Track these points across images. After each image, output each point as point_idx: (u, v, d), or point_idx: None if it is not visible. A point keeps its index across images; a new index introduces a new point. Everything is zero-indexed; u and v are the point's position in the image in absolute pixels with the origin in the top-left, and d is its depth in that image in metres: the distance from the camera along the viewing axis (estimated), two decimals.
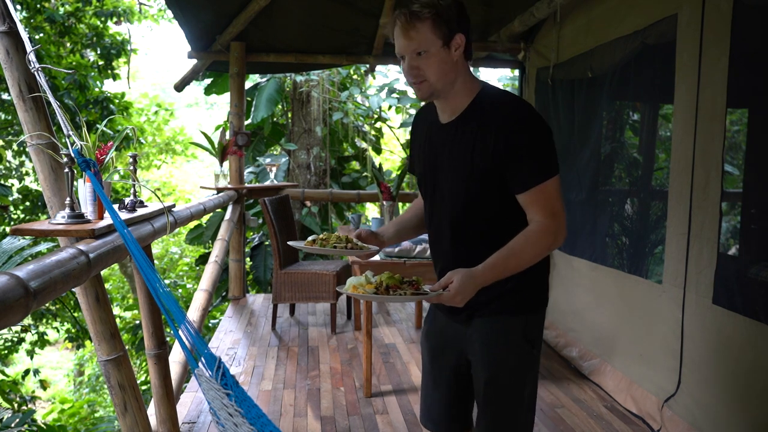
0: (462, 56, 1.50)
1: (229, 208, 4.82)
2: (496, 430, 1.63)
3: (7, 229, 6.40)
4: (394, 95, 7.85)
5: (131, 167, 2.23)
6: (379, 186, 4.12)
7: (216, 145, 4.77)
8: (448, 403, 1.74)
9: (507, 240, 1.49)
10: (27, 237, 4.76)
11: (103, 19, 7.22)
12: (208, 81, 6.81)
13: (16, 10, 1.79)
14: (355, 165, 8.02)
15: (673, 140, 2.82)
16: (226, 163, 4.85)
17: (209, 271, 4.00)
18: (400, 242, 1.82)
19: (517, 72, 6.40)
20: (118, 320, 7.00)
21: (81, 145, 1.75)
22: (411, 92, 7.93)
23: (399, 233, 1.80)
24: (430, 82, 1.49)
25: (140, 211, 2.08)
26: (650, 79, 3.13)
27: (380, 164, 6.76)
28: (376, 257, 3.22)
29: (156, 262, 9.32)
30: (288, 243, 1.82)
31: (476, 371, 1.62)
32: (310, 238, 1.71)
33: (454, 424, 1.74)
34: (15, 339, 7.22)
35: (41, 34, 6.79)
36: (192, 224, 6.53)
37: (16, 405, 5.89)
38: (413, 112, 7.86)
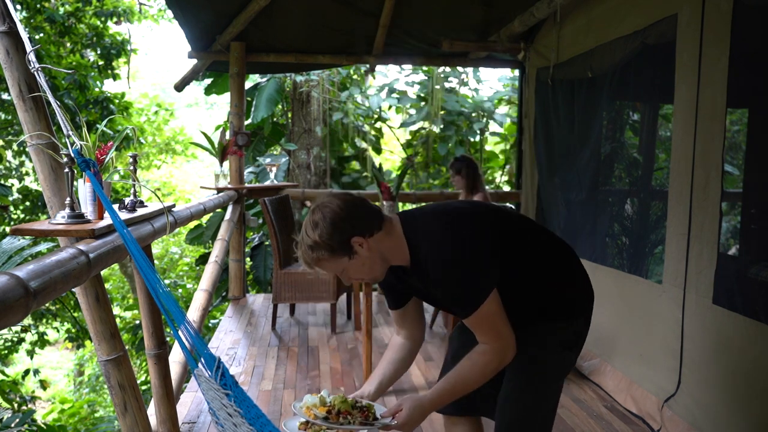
0: (371, 243, 1.61)
1: (229, 208, 4.82)
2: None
3: (7, 229, 6.40)
4: (394, 95, 7.86)
5: (131, 167, 2.23)
6: (379, 186, 4.12)
7: (216, 145, 4.77)
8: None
9: (537, 281, 1.69)
10: (27, 237, 4.76)
11: (103, 19, 7.22)
12: (208, 81, 6.81)
13: (16, 10, 1.79)
14: (355, 165, 8.02)
15: (673, 140, 2.81)
16: (226, 163, 4.85)
17: (209, 271, 4.00)
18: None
19: (517, 72, 6.40)
20: (118, 320, 6.99)
21: (81, 145, 1.75)
22: (411, 92, 7.94)
23: (380, 390, 1.83)
24: (368, 277, 1.69)
25: (140, 211, 2.08)
26: (650, 79, 3.13)
27: (380, 164, 6.76)
28: None
29: (156, 262, 9.31)
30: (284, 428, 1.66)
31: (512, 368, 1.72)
32: (312, 401, 1.63)
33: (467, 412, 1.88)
34: (15, 339, 7.22)
35: (41, 34, 6.79)
36: (192, 224, 6.53)
37: (16, 405, 5.89)
38: (413, 112, 7.86)
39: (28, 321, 7.07)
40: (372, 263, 1.63)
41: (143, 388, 6.40)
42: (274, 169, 5.30)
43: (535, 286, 1.70)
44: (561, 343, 1.73)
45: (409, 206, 8.08)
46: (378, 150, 8.16)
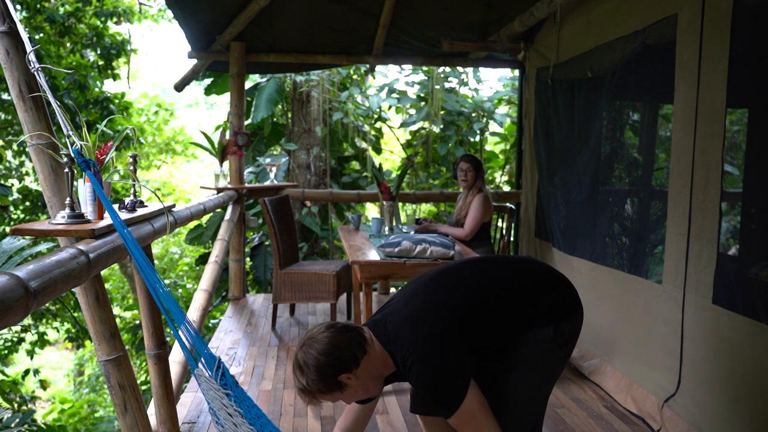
0: (360, 372, 1.66)
1: (229, 208, 4.82)
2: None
3: (7, 229, 6.40)
4: (394, 95, 7.86)
5: (131, 167, 2.23)
6: (379, 186, 4.12)
7: (216, 145, 4.77)
8: None
9: (514, 311, 1.80)
10: (27, 237, 4.76)
11: (103, 19, 7.22)
12: (208, 81, 6.81)
13: (16, 10, 1.79)
14: (355, 165, 8.02)
15: (673, 140, 2.81)
16: (226, 163, 4.85)
17: (209, 271, 4.00)
18: None
19: (517, 72, 6.40)
20: (118, 320, 7.00)
21: (81, 145, 1.75)
22: (411, 92, 7.94)
23: None
24: (366, 396, 1.76)
25: (140, 211, 2.08)
26: (650, 79, 3.13)
27: (380, 164, 6.76)
28: (376, 257, 3.21)
29: (156, 262, 9.31)
30: None
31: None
32: None
33: None
34: (15, 339, 7.22)
35: (41, 34, 6.79)
36: (192, 224, 6.53)
37: (16, 405, 5.89)
38: (413, 112, 7.86)
39: (28, 321, 7.06)
40: (365, 387, 1.70)
41: (143, 388, 6.40)
42: (274, 169, 5.30)
43: (512, 316, 1.78)
44: (554, 342, 1.79)
45: (409, 206, 8.09)
46: (378, 150, 8.15)
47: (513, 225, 4.28)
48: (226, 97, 5.86)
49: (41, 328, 7.34)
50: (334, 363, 1.62)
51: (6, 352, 7.20)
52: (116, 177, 3.61)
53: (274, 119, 7.39)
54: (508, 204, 4.33)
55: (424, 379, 1.64)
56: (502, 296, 1.80)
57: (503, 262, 1.99)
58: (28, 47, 1.73)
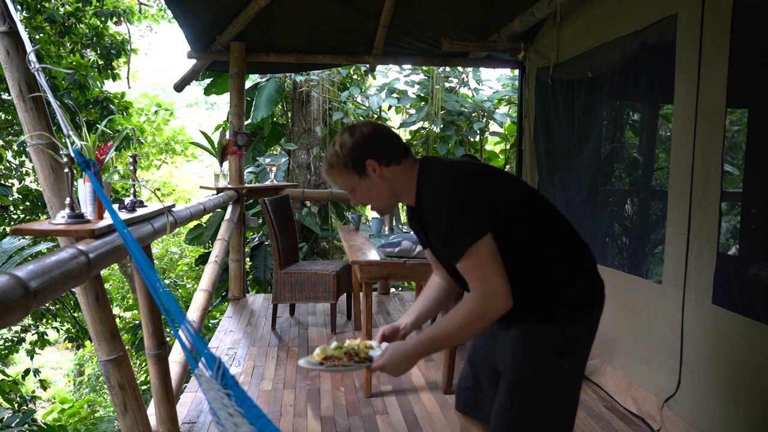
0: (385, 172, 1.63)
1: (229, 208, 4.82)
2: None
3: (7, 229, 6.40)
4: (394, 95, 7.85)
5: (131, 167, 2.23)
6: None
7: (216, 145, 4.77)
8: (473, 396, 1.87)
9: (536, 265, 1.57)
10: (27, 237, 4.76)
11: (103, 19, 7.21)
12: (208, 81, 6.81)
13: (16, 10, 1.79)
14: None
15: (673, 140, 2.81)
16: (226, 163, 4.85)
17: (209, 271, 4.00)
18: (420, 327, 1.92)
19: (517, 72, 6.39)
20: (118, 320, 7.01)
21: (81, 145, 1.75)
22: (411, 92, 7.94)
23: (417, 323, 1.83)
24: (374, 205, 1.70)
25: (140, 211, 2.08)
26: (650, 79, 3.13)
27: None
28: (376, 257, 3.22)
29: (156, 262, 9.31)
30: (300, 365, 1.77)
31: (503, 375, 1.66)
32: (318, 351, 1.70)
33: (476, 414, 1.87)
34: (15, 339, 7.21)
35: (41, 34, 6.78)
36: (192, 224, 6.53)
37: (16, 405, 5.88)
38: (413, 112, 7.86)
39: (28, 321, 7.06)
40: (380, 191, 1.65)
41: (143, 388, 6.40)
42: (274, 169, 5.30)
43: (532, 269, 1.57)
44: (553, 350, 1.58)
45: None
46: None
47: None
48: (226, 97, 5.86)
49: (41, 328, 7.34)
50: (373, 144, 1.62)
51: (6, 352, 7.19)
52: (116, 177, 3.61)
53: (274, 119, 7.39)
54: None
55: (444, 213, 1.52)
56: (555, 224, 1.64)
57: (569, 225, 1.72)
58: (28, 47, 1.74)
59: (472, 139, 7.86)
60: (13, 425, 3.95)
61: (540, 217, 1.62)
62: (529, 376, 1.60)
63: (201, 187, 5.08)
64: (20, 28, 1.78)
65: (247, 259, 6.28)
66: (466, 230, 1.49)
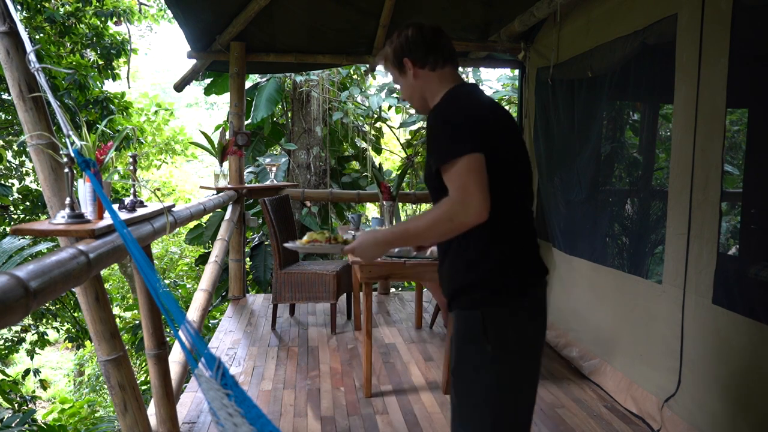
0: (419, 73, 1.72)
1: (229, 208, 4.82)
2: (452, 421, 1.65)
3: (7, 229, 6.40)
4: (394, 95, 7.85)
5: (131, 167, 2.23)
6: (379, 186, 4.11)
7: (216, 145, 4.77)
8: None
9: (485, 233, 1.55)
10: (27, 237, 4.76)
11: (103, 19, 7.22)
12: (208, 81, 6.81)
13: (16, 10, 1.79)
14: (355, 165, 8.02)
15: (673, 140, 2.82)
16: (226, 163, 4.85)
17: (209, 271, 4.00)
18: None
19: (517, 72, 6.40)
20: (118, 320, 7.01)
21: (81, 145, 1.75)
22: None
23: None
24: (411, 103, 1.78)
25: (140, 211, 2.08)
26: (650, 79, 3.13)
27: (380, 164, 6.76)
28: None
29: (156, 262, 9.31)
30: (285, 245, 2.04)
31: None
32: (305, 238, 2.00)
33: None
34: (15, 339, 7.22)
35: (41, 34, 6.79)
36: (192, 224, 6.53)
37: (16, 405, 5.88)
38: (413, 111, 7.86)
39: (28, 321, 7.06)
40: (413, 91, 1.75)
41: (143, 388, 6.40)
42: (274, 169, 5.30)
43: (480, 236, 1.55)
44: (476, 338, 1.55)
45: (409, 206, 8.08)
46: (378, 150, 8.15)
47: None
48: (226, 97, 5.86)
49: (41, 328, 7.34)
50: (414, 44, 1.72)
51: (6, 352, 7.19)
52: (116, 177, 3.61)
53: (274, 119, 7.39)
54: None
55: (437, 127, 1.55)
56: (515, 197, 1.61)
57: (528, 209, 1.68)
58: (28, 47, 1.73)
59: None
60: (13, 425, 3.95)
61: (512, 186, 1.60)
62: (458, 363, 1.60)
63: (201, 187, 5.08)
64: (20, 28, 1.78)
65: (247, 259, 6.28)
66: (457, 142, 1.50)
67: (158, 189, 12.79)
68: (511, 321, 1.56)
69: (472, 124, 1.54)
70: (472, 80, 8.02)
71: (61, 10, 7.00)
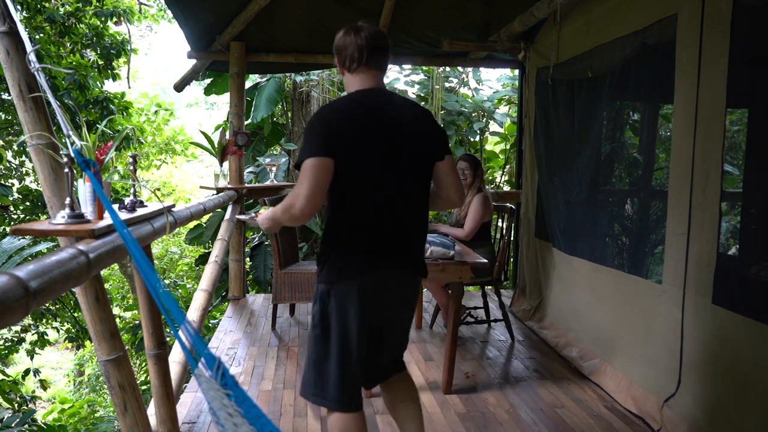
0: (343, 73, 2.00)
1: (229, 208, 4.82)
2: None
3: (7, 229, 6.40)
4: None
5: (131, 167, 2.23)
6: None
7: (216, 145, 4.77)
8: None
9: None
10: (27, 237, 4.76)
11: (103, 19, 7.22)
12: (208, 81, 6.81)
13: (16, 10, 1.79)
14: None
15: (673, 140, 2.82)
16: (226, 163, 4.85)
17: (209, 271, 4.00)
18: None
19: (517, 72, 6.40)
20: (118, 320, 7.00)
21: (81, 145, 1.75)
22: (411, 92, 7.93)
23: None
24: None
25: (140, 211, 2.08)
26: (650, 79, 3.13)
27: None
28: None
29: (156, 262, 9.31)
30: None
31: None
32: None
33: None
34: (15, 339, 7.21)
35: (41, 34, 6.79)
36: (192, 224, 6.53)
37: (16, 405, 5.88)
38: None
39: (28, 321, 7.06)
40: (346, 89, 2.02)
41: (143, 388, 6.40)
42: (274, 169, 5.30)
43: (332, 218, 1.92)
44: (314, 311, 2.03)
45: None
46: None
47: (513, 225, 4.28)
48: (226, 97, 5.86)
49: (41, 328, 7.34)
50: (337, 50, 2.00)
51: (6, 352, 7.19)
52: (116, 177, 3.61)
53: (274, 119, 7.38)
54: (508, 204, 4.33)
55: (307, 123, 2.02)
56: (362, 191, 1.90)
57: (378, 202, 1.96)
58: (28, 47, 1.73)
59: (472, 139, 7.86)
60: (13, 425, 3.95)
61: (354, 184, 1.87)
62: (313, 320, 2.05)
63: (201, 187, 5.07)
64: (20, 28, 1.78)
65: (247, 259, 6.28)
66: (305, 148, 1.85)
67: (158, 189, 12.79)
68: (330, 302, 1.94)
69: (322, 131, 1.84)
70: (472, 80, 8.02)
71: (61, 10, 7.00)
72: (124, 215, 1.92)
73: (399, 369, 2.20)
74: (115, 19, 7.32)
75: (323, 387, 2.00)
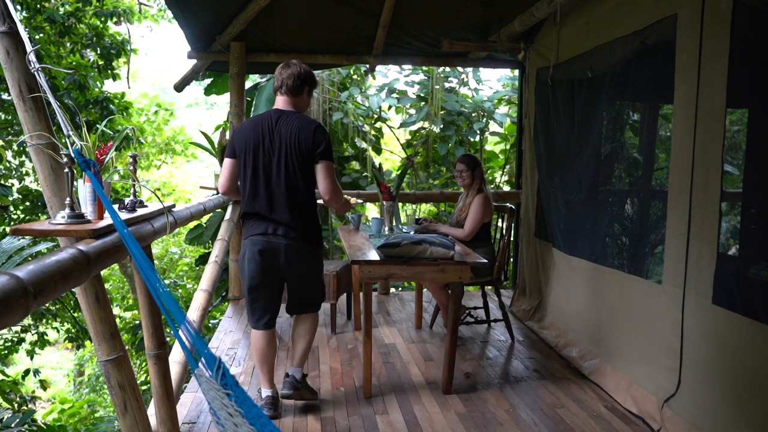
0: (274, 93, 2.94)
1: (229, 208, 4.82)
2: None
3: (7, 229, 6.40)
4: (394, 95, 7.85)
5: (131, 167, 2.23)
6: (379, 186, 4.11)
7: (216, 145, 4.77)
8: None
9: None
10: (27, 237, 4.76)
11: (103, 19, 7.22)
12: (208, 81, 6.81)
13: (16, 10, 1.79)
14: (355, 165, 8.01)
15: (673, 140, 2.82)
16: None
17: (209, 271, 4.00)
18: None
19: (517, 72, 6.40)
20: (118, 320, 7.00)
21: (81, 145, 1.75)
22: (411, 92, 7.94)
23: None
24: None
25: (140, 211, 2.08)
26: (650, 79, 3.13)
27: (380, 164, 6.76)
28: (376, 257, 3.21)
29: (156, 262, 9.30)
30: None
31: None
32: None
33: None
34: (15, 339, 7.22)
35: (41, 34, 6.79)
36: (192, 224, 6.53)
37: (16, 405, 5.88)
38: (413, 112, 7.86)
39: (28, 321, 7.06)
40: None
41: (143, 388, 6.40)
42: None
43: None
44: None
45: (409, 206, 8.08)
46: (378, 150, 8.15)
47: (513, 225, 4.28)
48: (226, 97, 5.86)
49: (41, 328, 7.34)
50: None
51: (6, 352, 7.19)
52: (116, 177, 3.61)
53: None
54: (508, 204, 4.33)
55: None
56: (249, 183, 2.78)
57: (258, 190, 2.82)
58: (28, 47, 1.73)
59: (472, 139, 7.86)
60: (13, 425, 3.95)
61: (245, 179, 2.79)
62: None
63: (201, 187, 5.07)
64: (20, 28, 1.78)
65: None
66: (227, 148, 2.87)
67: (158, 189, 12.79)
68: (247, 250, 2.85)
69: (233, 138, 2.83)
70: (472, 80, 8.02)
71: (61, 10, 7.00)
72: (124, 215, 1.92)
73: (305, 311, 3.01)
74: (115, 19, 7.32)
75: (250, 314, 2.92)
